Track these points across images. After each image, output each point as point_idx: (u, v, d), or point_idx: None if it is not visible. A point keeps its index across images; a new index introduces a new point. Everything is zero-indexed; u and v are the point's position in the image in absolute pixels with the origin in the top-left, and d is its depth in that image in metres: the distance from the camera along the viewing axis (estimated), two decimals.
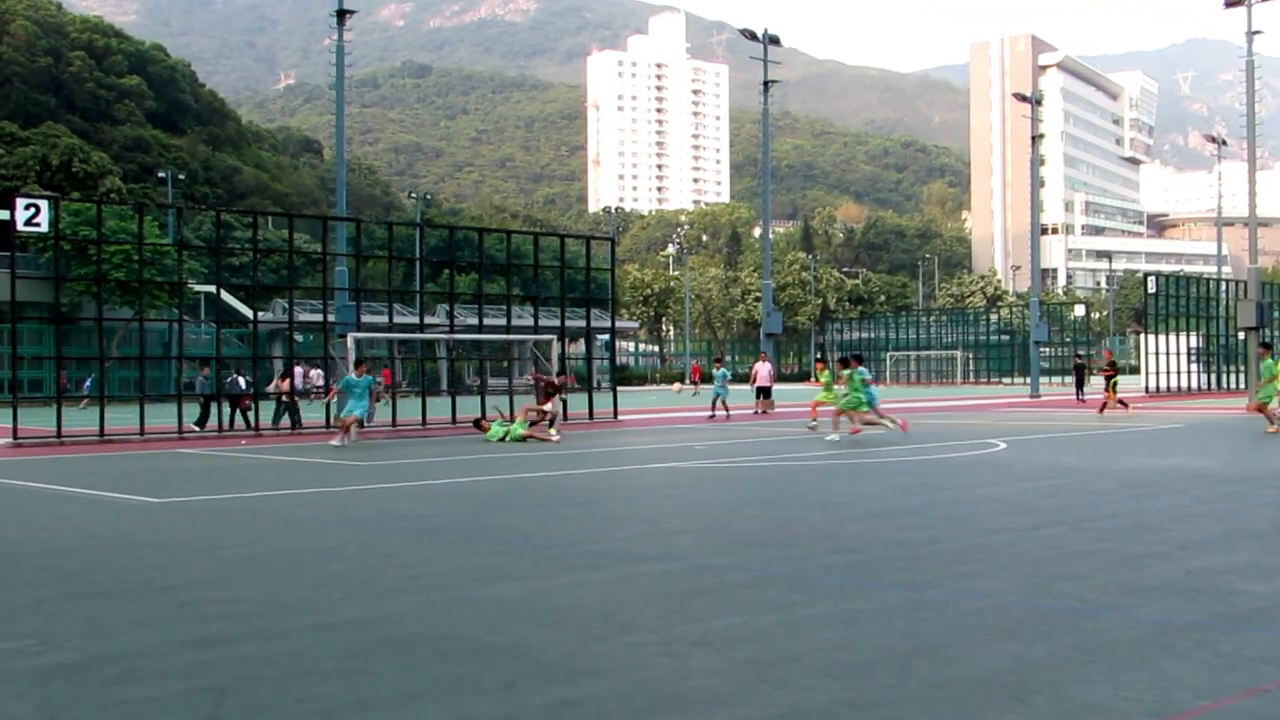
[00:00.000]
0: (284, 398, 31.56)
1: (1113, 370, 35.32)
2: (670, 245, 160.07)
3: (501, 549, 10.31)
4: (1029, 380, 55.10)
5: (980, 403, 32.13)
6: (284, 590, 8.46)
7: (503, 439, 24.82)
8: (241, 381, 30.95)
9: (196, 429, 29.19)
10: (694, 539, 10.98)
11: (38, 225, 26.15)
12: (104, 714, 5.42)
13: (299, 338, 40.34)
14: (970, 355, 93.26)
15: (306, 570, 9.38)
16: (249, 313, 48.35)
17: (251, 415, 30.12)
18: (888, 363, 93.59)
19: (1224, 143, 75.74)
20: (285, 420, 31.15)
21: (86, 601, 8.16)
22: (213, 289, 50.63)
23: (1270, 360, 26.13)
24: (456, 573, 9.14)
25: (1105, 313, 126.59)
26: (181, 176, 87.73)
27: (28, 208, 25.76)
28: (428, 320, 43.01)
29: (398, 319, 38.52)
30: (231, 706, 5.47)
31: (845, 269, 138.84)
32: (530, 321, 36.33)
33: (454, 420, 31.54)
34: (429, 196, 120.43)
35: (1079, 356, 55.65)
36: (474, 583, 8.67)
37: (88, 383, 47.62)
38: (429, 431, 29.83)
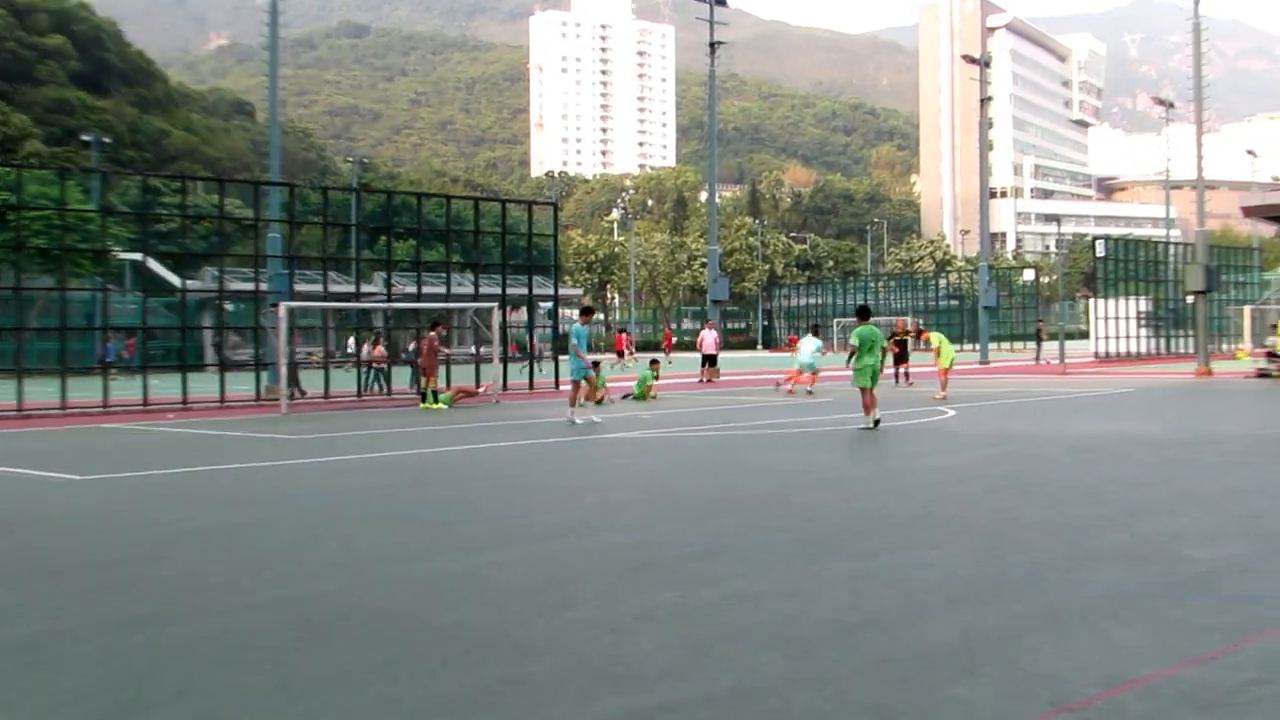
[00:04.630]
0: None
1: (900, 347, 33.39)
2: (615, 210, 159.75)
3: (445, 521, 10.22)
4: (978, 347, 55.44)
5: (928, 369, 32.39)
6: (213, 569, 8.30)
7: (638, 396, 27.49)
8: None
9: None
10: (640, 510, 10.94)
11: None
12: (20, 700, 5.29)
13: (229, 307, 39.79)
14: (919, 321, 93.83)
15: (242, 546, 9.23)
16: (177, 281, 47.60)
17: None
18: (835, 329, 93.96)
19: (1172, 105, 76.55)
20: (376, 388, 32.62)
21: None
22: (139, 256, 49.84)
23: None
24: (395, 547, 9.04)
25: (1054, 277, 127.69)
26: (107, 140, 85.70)
27: None
28: (364, 288, 42.58)
29: (333, 287, 38.07)
30: (153, 692, 5.36)
31: (793, 234, 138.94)
32: (471, 289, 36.08)
33: (389, 393, 31.62)
34: (365, 160, 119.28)
35: (1040, 320, 60.08)
36: (413, 557, 8.58)
37: (109, 347, 46.12)
38: (364, 404, 29.67)
